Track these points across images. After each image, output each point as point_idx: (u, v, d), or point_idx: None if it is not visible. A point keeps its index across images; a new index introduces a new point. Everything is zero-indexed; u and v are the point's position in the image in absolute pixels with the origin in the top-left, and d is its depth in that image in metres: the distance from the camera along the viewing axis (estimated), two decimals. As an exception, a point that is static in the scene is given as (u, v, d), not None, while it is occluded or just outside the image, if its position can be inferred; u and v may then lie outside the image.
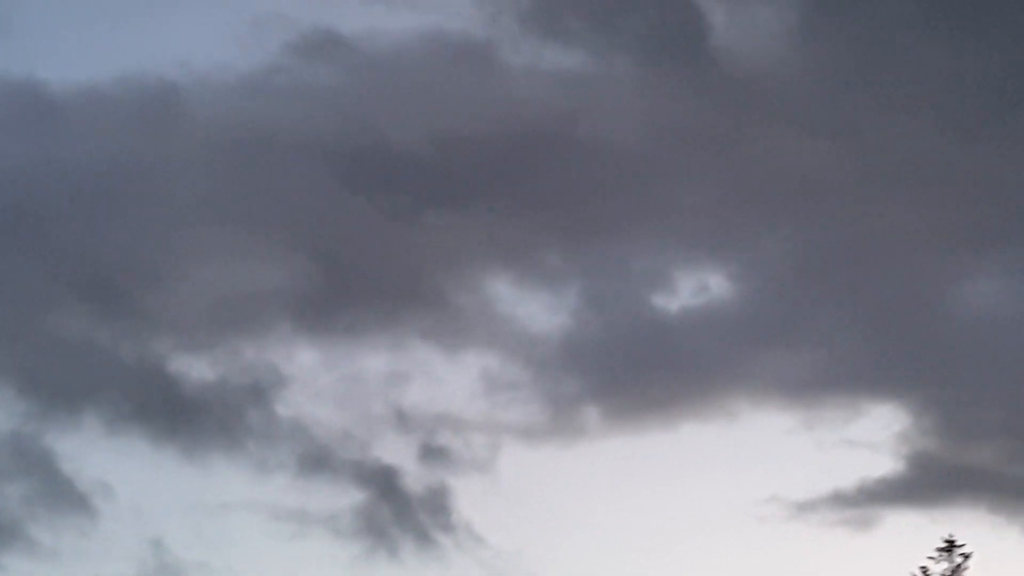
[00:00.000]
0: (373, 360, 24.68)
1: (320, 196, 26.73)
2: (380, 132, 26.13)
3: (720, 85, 25.24)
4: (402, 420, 23.03)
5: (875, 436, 22.21)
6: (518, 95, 26.73)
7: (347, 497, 22.45)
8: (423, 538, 21.82)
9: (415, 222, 26.34)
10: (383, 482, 22.81)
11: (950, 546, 16.09)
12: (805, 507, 21.83)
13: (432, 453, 22.82)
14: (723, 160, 24.86)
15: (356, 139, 26.96)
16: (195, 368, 24.71)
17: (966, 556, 15.95)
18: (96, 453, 23.95)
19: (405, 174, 25.76)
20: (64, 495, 22.05)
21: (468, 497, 22.51)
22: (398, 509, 22.74)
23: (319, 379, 24.78)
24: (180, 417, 23.99)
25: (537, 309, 24.83)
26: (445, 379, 24.48)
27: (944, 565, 16.73)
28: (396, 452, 23.04)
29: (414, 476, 23.21)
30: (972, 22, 25.07)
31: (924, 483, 21.69)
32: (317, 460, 23.18)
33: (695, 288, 24.00)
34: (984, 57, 25.23)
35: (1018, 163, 23.96)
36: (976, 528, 20.88)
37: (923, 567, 15.49)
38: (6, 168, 26.18)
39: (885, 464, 21.80)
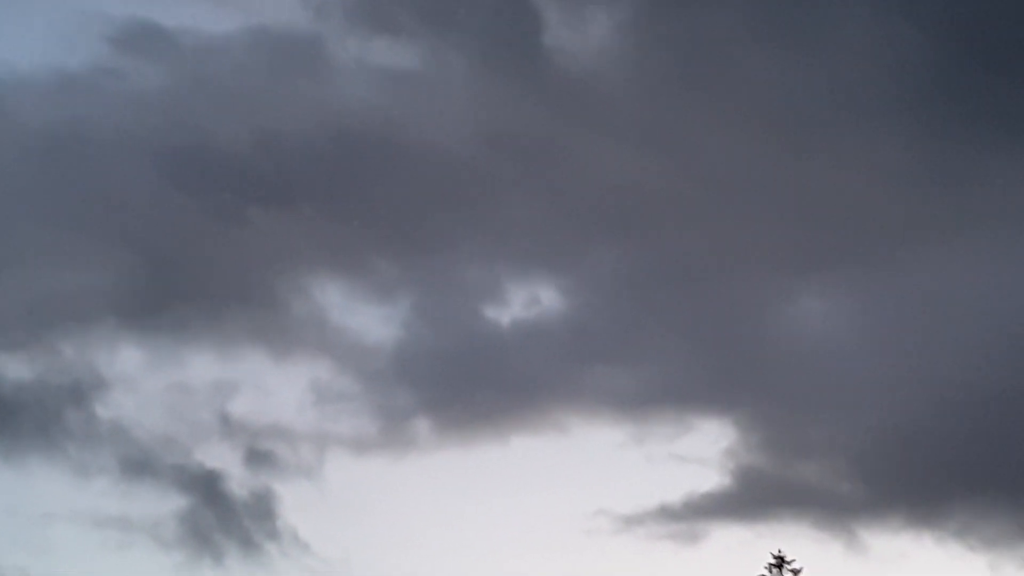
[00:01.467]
0: (199, 363, 23.74)
1: (142, 194, 25.61)
2: (203, 130, 25.28)
3: (554, 87, 25.20)
4: (228, 427, 22.26)
5: (703, 451, 22.42)
6: (345, 94, 26.00)
7: (170, 503, 21.43)
8: (248, 545, 21.05)
9: (240, 222, 25.44)
10: (208, 488, 21.88)
11: (780, 562, 16.20)
12: (632, 520, 21.74)
13: (259, 460, 22.07)
14: (555, 170, 24.91)
15: (179, 137, 26.13)
16: (11, 367, 23.02)
17: (796, 572, 16.07)
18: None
19: (229, 173, 24.95)
20: None
21: (295, 505, 21.59)
22: (223, 516, 21.76)
23: (142, 381, 23.21)
24: (-5, 418, 22.59)
25: (369, 320, 24.31)
26: (274, 387, 23.67)
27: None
28: (221, 458, 22.16)
29: (240, 482, 22.19)
30: (807, 36, 25.95)
31: (750, 498, 21.77)
32: (140, 465, 22.01)
33: (526, 301, 23.92)
34: (816, 74, 26.00)
35: (844, 183, 24.73)
36: (800, 543, 21.13)
37: None
38: None
39: (712, 479, 21.94)
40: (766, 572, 16.53)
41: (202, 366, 23.62)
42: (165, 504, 21.84)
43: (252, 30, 28.38)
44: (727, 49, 26.16)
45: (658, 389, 23.24)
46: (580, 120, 26.13)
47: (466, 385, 23.92)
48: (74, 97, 26.88)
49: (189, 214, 25.79)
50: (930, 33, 25.04)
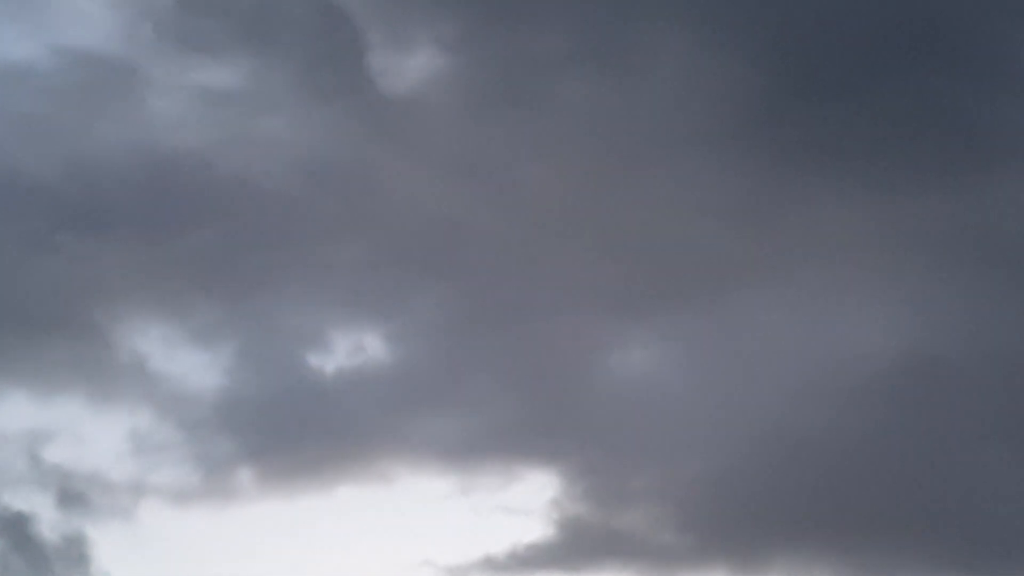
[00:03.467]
0: (7, 405, 22.64)
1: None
2: (8, 156, 24.05)
3: (377, 113, 24.00)
4: (40, 472, 21.52)
5: (529, 501, 22.21)
6: (158, 117, 24.51)
7: None
8: None
9: (51, 255, 24.38)
10: (17, 537, 21.15)
11: None
12: (456, 572, 21.68)
13: (74, 511, 21.43)
14: (379, 204, 23.83)
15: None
16: None
17: None
18: None
19: (38, 200, 23.74)
20: None
21: (112, 558, 21.16)
22: (34, 567, 21.27)
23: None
24: None
25: (189, 366, 23.46)
26: (90, 435, 23.08)
27: None
28: (32, 507, 21.47)
29: (51, 527, 21.60)
30: (637, 61, 24.84)
31: (574, 548, 21.62)
32: None
33: (351, 348, 23.28)
34: (642, 104, 25.24)
35: (670, 222, 24.03)
36: None
37: None
38: None
39: (537, 530, 21.80)
40: None
41: (11, 408, 22.82)
42: None
43: (58, 51, 26.85)
44: (552, 74, 25.09)
45: (485, 438, 22.78)
46: (403, 150, 24.96)
47: (290, 434, 23.28)
48: None
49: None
50: (760, 65, 24.23)
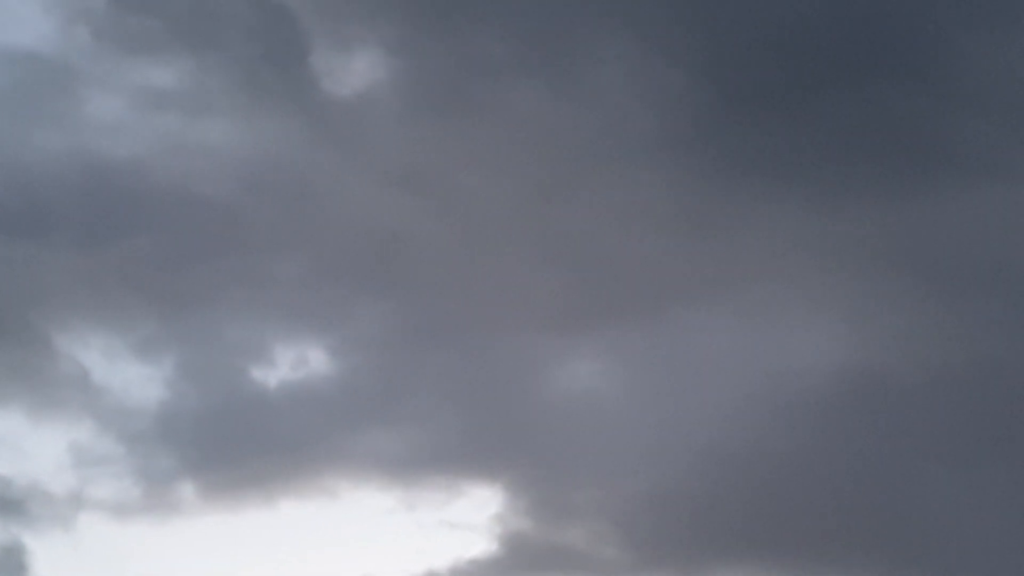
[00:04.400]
0: None
1: None
2: None
3: (319, 118, 23.70)
4: None
5: (472, 517, 22.38)
6: (94, 122, 24.12)
7: None
8: None
9: None
10: None
11: None
12: None
13: (12, 521, 21.47)
14: (321, 214, 23.69)
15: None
16: None
17: None
18: None
19: None
20: None
21: (50, 569, 21.25)
22: None
23: None
24: None
25: (130, 378, 23.42)
26: (29, 446, 23.19)
27: None
28: None
29: None
30: (582, 70, 24.61)
31: (516, 563, 21.89)
32: None
33: (294, 361, 23.27)
34: (591, 112, 25.13)
35: (614, 238, 24.06)
36: None
37: None
38: None
39: (480, 545, 21.99)
40: None
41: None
42: None
43: None
44: (498, 81, 24.90)
45: (428, 453, 22.83)
46: (346, 156, 24.79)
47: (232, 447, 23.28)
48: None
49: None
50: (706, 75, 24.07)
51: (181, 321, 23.69)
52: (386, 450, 22.64)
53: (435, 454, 22.57)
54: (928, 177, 23.46)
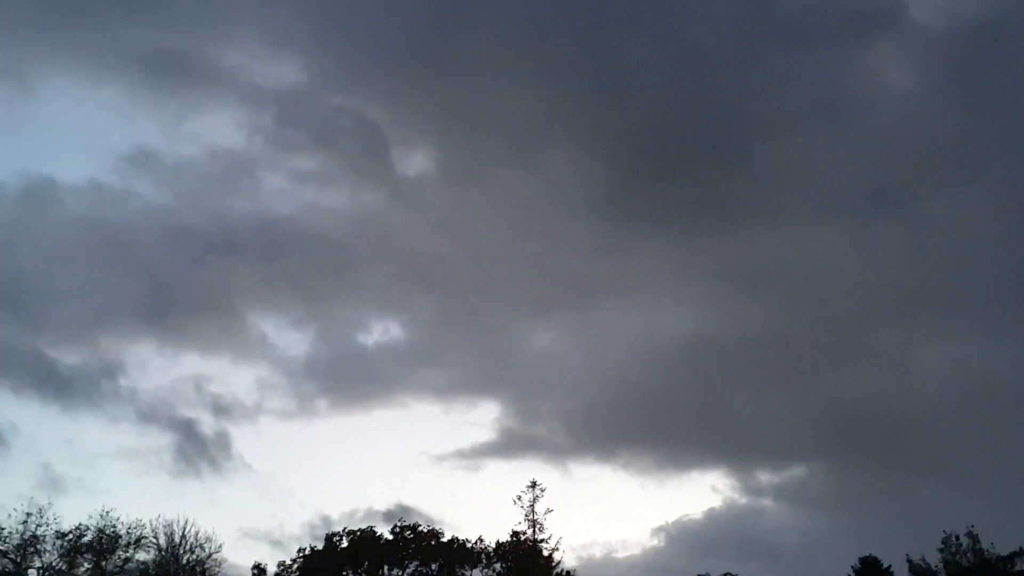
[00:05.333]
0: (183, 361, 61.75)
1: None
2: (177, 209, 44.27)
3: (394, 188, 51.05)
4: (203, 399, 41.43)
5: (482, 419, 41.64)
6: (266, 190, 51.58)
7: (166, 440, 52.99)
8: (214, 464, 43.12)
9: (205, 269, 44.96)
10: (188, 433, 44.00)
11: (533, 484, 29.48)
12: (439, 458, 40.02)
13: (221, 419, 41.59)
14: (395, 247, 49.05)
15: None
16: None
17: (540, 489, 29.22)
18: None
19: (189, 237, 43.79)
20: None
21: (243, 448, 41.92)
22: (198, 450, 43.49)
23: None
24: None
25: (289, 340, 46.43)
26: (232, 378, 46.51)
27: (530, 495, 29.87)
28: (198, 416, 51.47)
29: (208, 428, 52.70)
30: (543, 164, 49.49)
31: (507, 446, 38.68)
32: (148, 416, 45.84)
33: (381, 331, 43.91)
34: (548, 187, 47.01)
35: (563, 258, 45.89)
36: (537, 473, 39.95)
37: (518, 496, 28.33)
38: None
39: (487, 435, 40.24)
40: (524, 491, 29.19)
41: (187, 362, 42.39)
42: (163, 441, 39.63)
43: (208, 147, 47.85)
44: (495, 168, 44.44)
45: (457, 383, 41.21)
46: (409, 211, 47.03)
47: (348, 380, 40.68)
48: None
49: None
50: (613, 163, 43.28)
51: (317, 307, 42.53)
52: (434, 382, 40.57)
53: (461, 384, 40.18)
54: (738, 225, 41.56)
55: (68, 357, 49.94)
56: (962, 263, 53.17)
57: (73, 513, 40.63)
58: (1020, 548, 30.75)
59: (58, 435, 51.87)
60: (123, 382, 47.69)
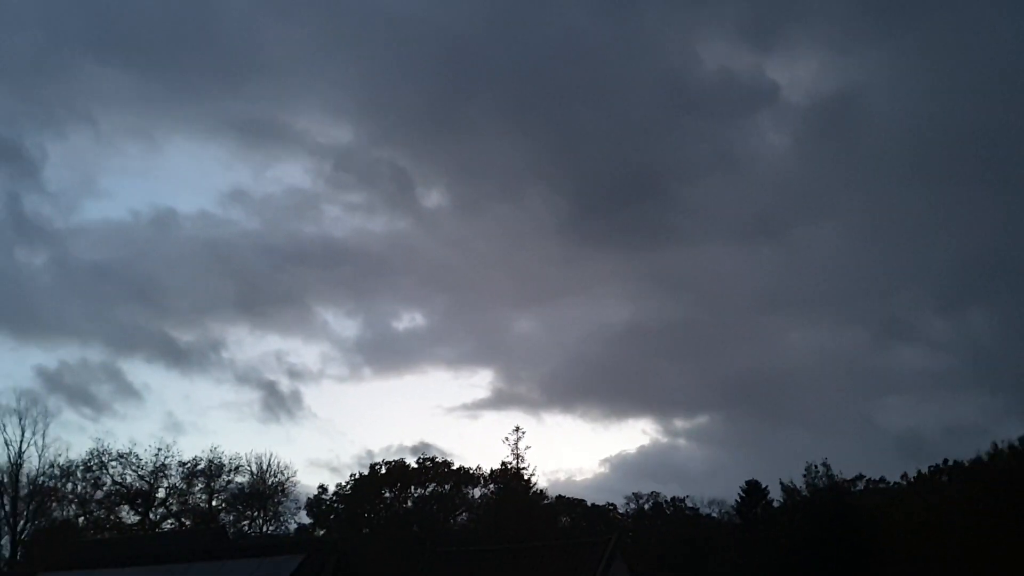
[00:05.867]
0: (263, 348, 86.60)
1: None
2: (258, 237, 58.11)
3: (420, 219, 66.62)
4: (281, 367, 74.21)
5: (480, 382, 55.31)
6: (335, 222, 70.87)
7: (254, 395, 73.00)
8: (290, 413, 65.01)
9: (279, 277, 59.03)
10: (271, 390, 63.14)
11: (517, 428, 39.65)
12: (450, 410, 53.08)
13: (296, 382, 78.53)
14: (419, 259, 64.83)
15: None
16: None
17: (522, 432, 39.72)
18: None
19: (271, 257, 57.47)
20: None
21: (312, 403, 78.19)
22: (278, 403, 61.72)
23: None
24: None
25: (341, 320, 61.97)
26: (301, 352, 62.34)
27: (515, 436, 40.41)
28: (278, 378, 79.52)
29: (285, 387, 75.04)
30: (523, 202, 64.10)
31: (500, 402, 50.91)
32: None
33: (409, 319, 58.57)
34: (525, 215, 61.95)
35: (538, 267, 60.76)
36: (519, 421, 52.70)
37: (506, 437, 38.39)
38: None
39: (484, 393, 52.93)
40: (510, 434, 39.40)
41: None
42: (253, 396, 52.91)
43: (281, 184, 62.22)
44: (492, 202, 58.32)
45: (463, 356, 56.66)
46: (429, 234, 64.54)
47: (386, 355, 53.77)
48: None
49: None
50: (573, 196, 58.06)
51: (363, 302, 56.12)
52: (446, 355, 54.73)
53: (465, 357, 54.60)
54: (662, 245, 56.81)
55: (185, 336, 75.68)
56: (819, 273, 75.97)
57: (190, 448, 65.45)
58: (859, 474, 42.18)
59: (178, 392, 76.35)
60: (224, 354, 68.39)
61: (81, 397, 53.83)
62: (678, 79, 78.38)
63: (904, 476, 39.96)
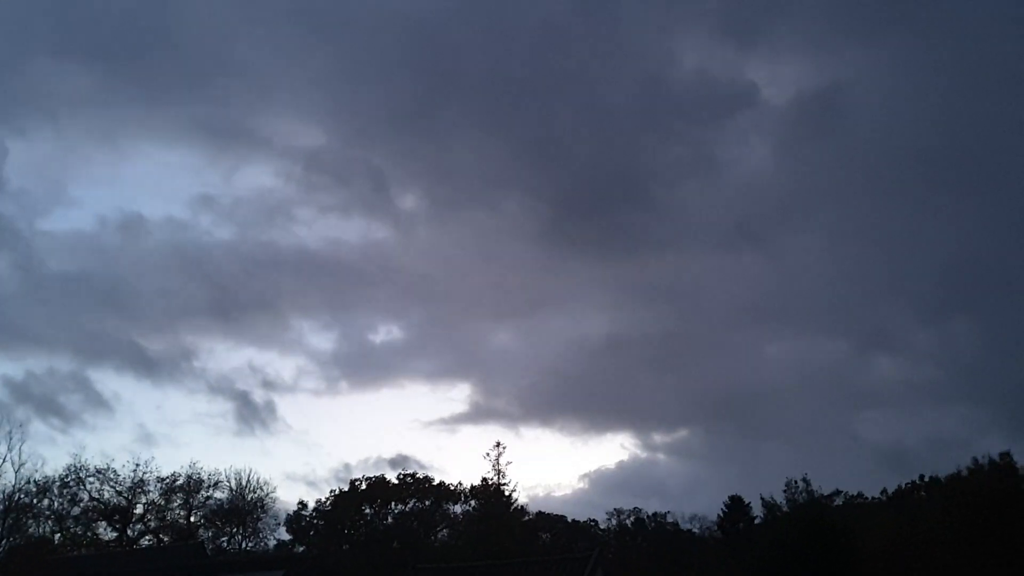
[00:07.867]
0: (239, 354, 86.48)
1: None
2: (241, 241, 56.60)
3: (396, 221, 63.18)
4: (255, 377, 55.83)
5: (458, 396, 54.68)
6: (299, 226, 63.10)
7: (223, 406, 67.61)
8: (263, 424, 61.32)
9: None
10: (240, 399, 60.22)
11: (498, 444, 39.96)
12: (428, 424, 51.97)
13: (269, 392, 57.03)
14: (398, 268, 60.42)
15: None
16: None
17: (503, 448, 40.00)
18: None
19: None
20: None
21: (286, 413, 68.83)
22: (252, 410, 58.43)
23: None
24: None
25: (318, 337, 60.21)
26: (276, 366, 59.05)
27: (496, 452, 40.54)
28: (250, 389, 76.44)
29: (259, 398, 73.59)
30: (502, 210, 64.02)
31: (478, 415, 50.76)
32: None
33: (385, 332, 56.07)
34: (506, 224, 61.65)
35: (520, 277, 60.90)
36: (498, 436, 51.98)
37: (487, 452, 38.64)
38: None
39: (463, 407, 52.51)
40: (491, 449, 39.83)
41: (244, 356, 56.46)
42: (227, 407, 52.34)
43: (250, 187, 59.37)
44: (466, 211, 57.83)
45: (442, 369, 52.43)
46: (408, 240, 61.38)
47: (363, 367, 52.68)
48: None
49: None
50: (553, 203, 57.63)
51: (341, 315, 54.93)
52: (423, 368, 53.11)
53: (443, 370, 53.36)
54: (640, 252, 55.68)
55: (155, 345, 69.45)
56: (799, 283, 75.48)
57: (164, 459, 61.58)
58: (837, 489, 42.46)
59: (149, 402, 74.96)
60: (196, 364, 69.48)
61: (49, 407, 52.10)
62: (655, 79, 78.36)
63: (884, 491, 40.33)
